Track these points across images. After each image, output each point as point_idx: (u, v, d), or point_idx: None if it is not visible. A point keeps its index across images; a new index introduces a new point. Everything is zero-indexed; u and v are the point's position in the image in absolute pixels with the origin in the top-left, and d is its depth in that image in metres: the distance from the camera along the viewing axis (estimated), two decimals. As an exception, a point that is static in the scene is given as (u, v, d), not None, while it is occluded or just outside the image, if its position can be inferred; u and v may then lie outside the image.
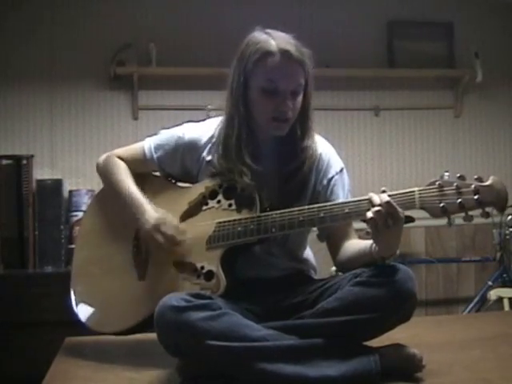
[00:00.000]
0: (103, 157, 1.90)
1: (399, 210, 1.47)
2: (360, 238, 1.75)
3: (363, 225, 1.54)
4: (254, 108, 1.68)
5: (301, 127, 1.72)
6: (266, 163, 1.72)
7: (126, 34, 3.28)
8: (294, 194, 1.71)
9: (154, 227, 1.69)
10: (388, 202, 1.46)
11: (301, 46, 1.66)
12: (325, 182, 1.75)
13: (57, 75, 3.27)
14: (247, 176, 1.67)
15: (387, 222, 1.47)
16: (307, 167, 1.71)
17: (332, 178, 1.76)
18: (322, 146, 1.79)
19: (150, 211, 1.72)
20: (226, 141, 1.71)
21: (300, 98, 1.68)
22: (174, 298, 1.49)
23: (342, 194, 1.76)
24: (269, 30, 1.67)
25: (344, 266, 1.73)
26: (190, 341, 1.46)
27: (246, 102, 1.67)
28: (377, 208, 1.47)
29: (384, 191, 1.51)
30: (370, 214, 1.48)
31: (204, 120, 1.85)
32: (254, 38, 1.67)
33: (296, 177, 1.70)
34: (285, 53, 1.62)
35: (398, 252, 1.56)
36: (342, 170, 1.79)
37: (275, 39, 1.64)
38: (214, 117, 1.81)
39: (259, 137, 1.73)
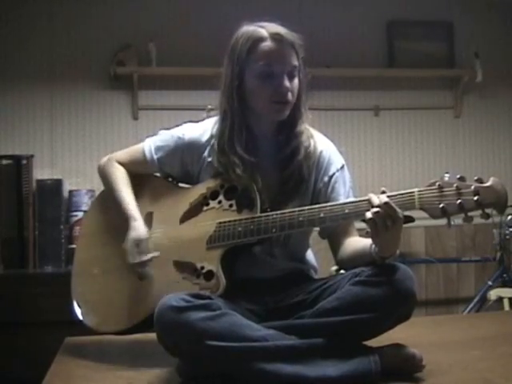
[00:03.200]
0: (104, 159, 1.90)
1: (398, 210, 1.47)
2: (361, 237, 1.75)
3: (364, 224, 1.54)
4: (251, 98, 1.68)
5: (294, 112, 1.72)
6: (263, 155, 1.72)
7: (125, 34, 3.28)
8: (292, 183, 1.71)
9: (123, 250, 1.74)
10: (387, 203, 1.46)
11: (290, 31, 1.68)
12: (326, 179, 1.76)
13: (57, 75, 3.28)
14: (239, 167, 1.67)
15: (386, 222, 1.47)
16: (303, 155, 1.71)
17: (333, 175, 1.76)
18: (323, 143, 1.79)
19: (130, 231, 1.74)
20: (221, 136, 1.72)
21: (296, 81, 1.69)
22: (173, 299, 1.49)
23: (344, 190, 1.76)
24: (255, 23, 1.70)
25: (345, 263, 1.73)
26: (190, 341, 1.46)
27: (240, 94, 1.68)
28: (375, 209, 1.47)
29: (384, 192, 1.51)
30: (369, 215, 1.48)
31: (203, 120, 1.85)
32: (243, 31, 1.69)
33: (292, 164, 1.71)
34: (276, 36, 1.65)
35: (397, 252, 1.56)
36: (342, 167, 1.79)
37: (264, 27, 1.68)
38: (214, 116, 1.81)
39: (255, 129, 1.73)
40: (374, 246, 1.57)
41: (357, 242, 1.71)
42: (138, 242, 1.72)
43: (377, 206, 1.47)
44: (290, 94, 1.67)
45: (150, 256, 1.72)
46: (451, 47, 3.59)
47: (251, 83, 1.67)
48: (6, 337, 2.75)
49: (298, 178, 1.72)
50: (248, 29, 1.69)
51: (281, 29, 1.68)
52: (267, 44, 1.65)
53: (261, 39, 1.65)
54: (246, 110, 1.70)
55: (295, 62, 1.68)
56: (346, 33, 3.49)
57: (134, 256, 1.72)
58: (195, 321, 1.45)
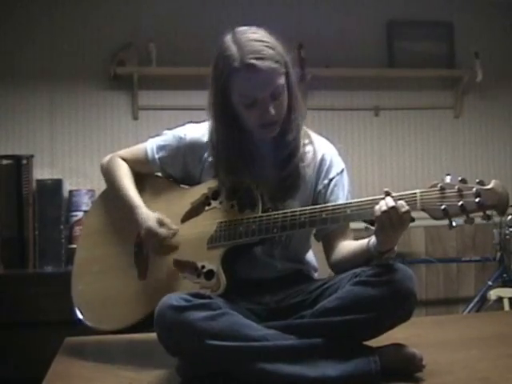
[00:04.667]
0: (107, 158, 1.91)
1: (410, 212, 1.47)
2: (359, 237, 1.76)
3: (363, 225, 1.54)
4: (241, 120, 1.66)
5: (284, 121, 1.68)
6: (261, 155, 1.72)
7: (125, 33, 3.29)
8: (291, 180, 1.70)
9: (146, 233, 1.71)
10: (394, 207, 1.46)
11: (270, 46, 1.59)
12: (326, 182, 1.76)
13: (57, 75, 3.28)
14: (225, 186, 1.69)
15: (393, 222, 1.47)
16: (300, 156, 1.71)
17: (333, 178, 1.76)
18: (324, 147, 1.79)
19: (145, 215, 1.73)
20: (213, 146, 1.72)
21: (284, 96, 1.64)
22: (173, 298, 1.49)
23: (342, 194, 1.76)
24: (237, 35, 1.61)
25: (338, 265, 1.72)
26: (190, 341, 1.46)
27: (228, 113, 1.65)
28: (384, 208, 1.47)
29: (387, 192, 1.51)
30: (377, 213, 1.49)
31: (205, 121, 1.84)
32: (222, 50, 1.61)
33: (291, 162, 1.70)
34: (249, 66, 1.57)
35: (395, 248, 1.57)
36: (342, 171, 1.79)
37: (240, 49, 1.58)
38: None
39: (253, 138, 1.72)
40: (372, 240, 1.57)
41: (352, 243, 1.72)
42: (160, 220, 1.71)
43: (385, 210, 1.47)
44: (275, 116, 1.63)
45: (175, 227, 1.72)
46: (451, 47, 3.59)
47: (237, 109, 1.64)
48: (7, 337, 2.75)
49: (296, 175, 1.71)
50: (227, 49, 1.59)
51: (256, 53, 1.56)
52: (241, 75, 1.58)
53: (234, 70, 1.58)
54: (240, 124, 1.68)
55: (277, 82, 1.61)
56: (346, 33, 3.49)
57: (163, 231, 1.70)
58: (195, 320, 1.45)
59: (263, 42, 1.60)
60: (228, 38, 1.63)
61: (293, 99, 1.69)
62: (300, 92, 1.71)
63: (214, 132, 1.72)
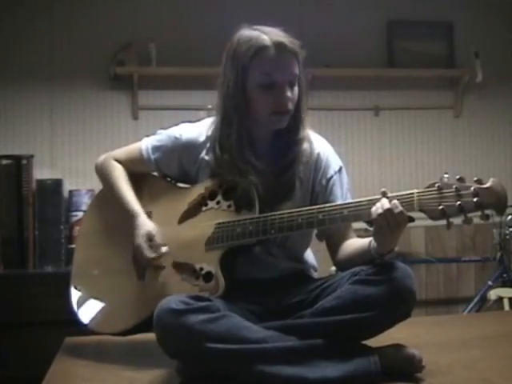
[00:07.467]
0: (101, 158, 1.90)
1: (405, 213, 1.47)
2: (359, 237, 1.75)
3: (362, 224, 1.54)
4: (253, 105, 1.66)
5: (294, 119, 1.70)
6: (264, 160, 1.72)
7: (126, 34, 3.28)
8: (286, 190, 1.70)
9: (135, 249, 1.73)
10: (390, 210, 1.46)
11: (291, 37, 1.65)
12: (324, 182, 1.75)
13: (57, 75, 3.28)
14: (252, 174, 1.66)
15: (390, 224, 1.47)
16: (302, 162, 1.70)
17: (331, 178, 1.75)
18: (320, 145, 1.79)
19: (139, 228, 1.73)
20: (224, 141, 1.69)
21: (296, 90, 1.67)
22: (172, 301, 1.49)
23: (341, 193, 1.76)
24: (257, 26, 1.66)
25: (343, 265, 1.73)
26: (189, 344, 1.46)
27: (244, 100, 1.66)
28: (380, 210, 1.47)
29: (384, 193, 1.51)
30: (374, 215, 1.48)
31: (201, 120, 1.84)
32: (245, 36, 1.65)
33: (289, 171, 1.69)
34: (279, 45, 1.61)
35: (396, 249, 1.57)
36: (340, 170, 1.78)
37: (267, 33, 1.63)
38: (212, 116, 1.80)
39: (257, 135, 1.72)
40: (373, 242, 1.57)
41: (354, 243, 1.72)
42: (150, 237, 1.72)
43: (381, 213, 1.47)
44: (290, 104, 1.65)
45: (164, 249, 1.71)
46: (451, 47, 3.59)
47: (253, 91, 1.65)
48: (6, 337, 2.75)
49: (295, 179, 1.71)
50: (251, 34, 1.64)
51: (283, 37, 1.63)
52: (269, 53, 1.61)
53: (264, 47, 1.61)
54: (249, 117, 1.68)
55: (296, 71, 1.65)
56: (346, 33, 3.48)
57: (150, 251, 1.71)
58: (194, 324, 1.45)
59: (284, 34, 1.65)
60: (247, 29, 1.66)
61: (303, 98, 1.70)
62: (306, 100, 1.73)
63: (223, 128, 1.70)
